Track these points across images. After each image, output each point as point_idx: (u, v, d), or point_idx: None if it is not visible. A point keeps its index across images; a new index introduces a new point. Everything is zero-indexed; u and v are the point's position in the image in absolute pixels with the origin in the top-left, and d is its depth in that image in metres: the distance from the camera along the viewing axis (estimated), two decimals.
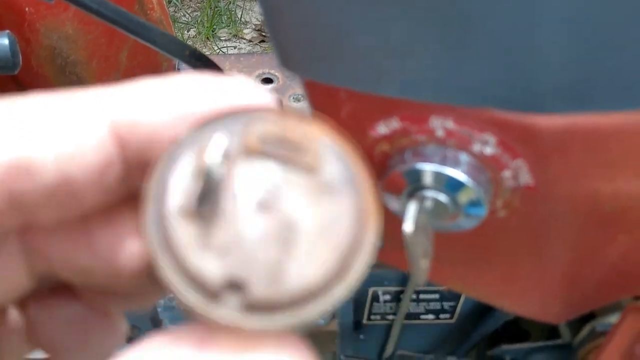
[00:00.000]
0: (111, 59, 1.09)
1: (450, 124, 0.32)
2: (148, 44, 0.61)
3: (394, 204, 0.36)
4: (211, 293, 0.17)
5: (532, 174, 0.33)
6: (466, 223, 0.35)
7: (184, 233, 0.17)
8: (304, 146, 0.19)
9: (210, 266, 0.17)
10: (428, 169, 0.33)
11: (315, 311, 0.17)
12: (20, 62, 0.69)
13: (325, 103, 0.34)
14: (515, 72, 0.28)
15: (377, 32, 0.29)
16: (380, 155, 0.35)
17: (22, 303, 0.22)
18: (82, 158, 0.18)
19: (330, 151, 0.19)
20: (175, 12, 2.16)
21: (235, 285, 0.17)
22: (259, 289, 0.17)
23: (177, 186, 0.18)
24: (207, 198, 0.18)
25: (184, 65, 1.25)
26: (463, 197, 0.33)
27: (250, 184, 0.18)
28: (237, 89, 0.20)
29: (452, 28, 0.28)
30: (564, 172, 0.32)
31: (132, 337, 0.63)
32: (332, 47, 0.31)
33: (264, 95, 0.20)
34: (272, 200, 0.18)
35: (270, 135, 0.19)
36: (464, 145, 0.32)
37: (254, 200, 0.18)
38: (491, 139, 0.31)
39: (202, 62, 0.64)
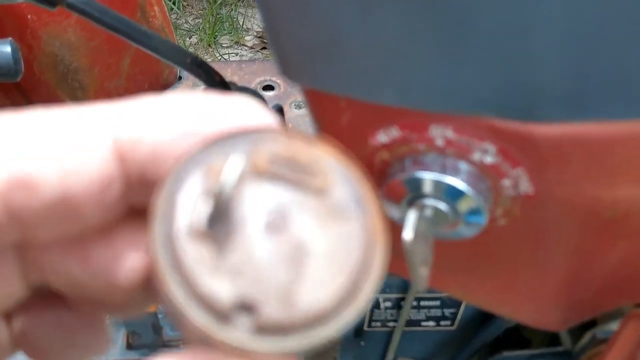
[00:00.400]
0: (113, 66, 1.10)
1: (449, 133, 0.32)
2: (149, 52, 0.62)
3: (394, 212, 0.36)
4: (221, 314, 0.17)
5: (532, 182, 0.33)
6: (466, 231, 0.36)
7: (194, 254, 0.17)
8: (313, 168, 0.19)
9: (221, 288, 0.17)
10: (428, 177, 0.33)
11: (325, 334, 0.17)
12: (23, 70, 0.69)
13: (326, 111, 0.34)
14: (514, 81, 0.29)
15: (376, 41, 0.29)
16: (380, 163, 0.35)
17: (10, 311, 0.22)
18: (84, 175, 0.18)
19: (338, 173, 0.19)
20: (177, 19, 2.16)
21: (245, 307, 0.17)
22: (270, 311, 0.17)
23: (186, 206, 0.18)
24: (217, 219, 0.18)
25: (185, 72, 1.25)
26: (463, 206, 0.33)
27: (260, 205, 0.18)
28: (242, 108, 0.20)
29: (451, 37, 0.28)
30: (564, 180, 0.32)
31: (133, 343, 0.63)
32: (331, 56, 0.31)
33: (268, 116, 0.20)
34: (282, 222, 0.18)
35: (279, 157, 0.19)
36: (463, 154, 0.32)
37: (264, 221, 0.18)
38: (491, 147, 0.32)
39: (202, 69, 0.64)
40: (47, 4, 0.52)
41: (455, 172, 0.33)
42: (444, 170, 0.33)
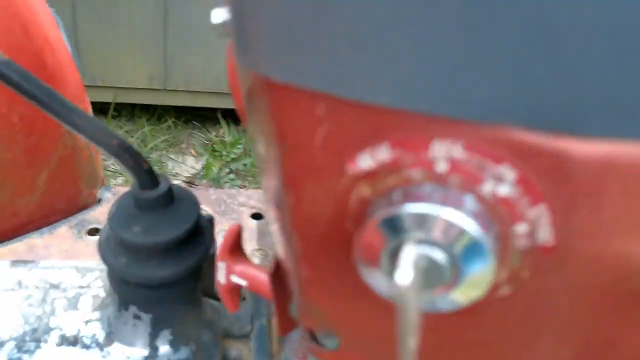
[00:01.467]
0: (28, 180, 1.01)
1: (458, 151, 0.24)
2: (72, 129, 0.54)
3: (371, 277, 0.28)
4: None
5: (554, 227, 0.25)
6: (460, 298, 0.28)
7: None
8: None
9: None
10: (422, 213, 0.25)
11: None
12: None
13: (297, 122, 0.26)
14: (546, 77, 0.22)
15: (370, 18, 0.22)
16: (357, 203, 0.27)
17: None
18: None
19: None
20: (105, 159, 2.10)
21: None
22: None
23: None
24: None
25: (105, 195, 1.17)
26: (464, 252, 0.26)
27: None
28: None
29: (467, 17, 0.22)
30: (597, 223, 0.25)
31: None
32: (310, 38, 0.24)
33: None
34: None
35: None
36: (471, 183, 0.25)
37: None
38: (509, 173, 0.24)
39: (130, 155, 0.56)
40: None
41: (458, 209, 0.25)
42: (443, 205, 0.25)
